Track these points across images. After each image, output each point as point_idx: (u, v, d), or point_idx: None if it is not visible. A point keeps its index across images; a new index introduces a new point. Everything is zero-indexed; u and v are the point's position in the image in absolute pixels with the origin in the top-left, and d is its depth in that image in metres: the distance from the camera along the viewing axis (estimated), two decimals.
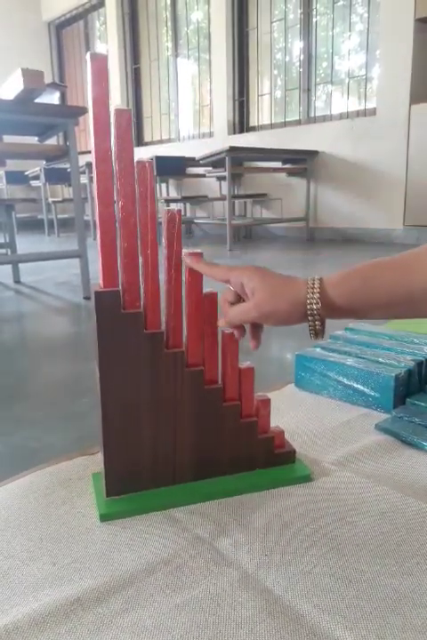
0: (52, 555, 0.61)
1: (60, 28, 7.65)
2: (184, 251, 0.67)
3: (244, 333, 0.68)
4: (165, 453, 0.71)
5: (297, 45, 4.89)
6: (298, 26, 4.80)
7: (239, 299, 0.67)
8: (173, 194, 6.07)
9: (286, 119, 5.06)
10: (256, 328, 0.69)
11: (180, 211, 0.66)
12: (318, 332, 0.62)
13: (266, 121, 5.30)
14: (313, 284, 0.60)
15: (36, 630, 0.50)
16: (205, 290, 0.70)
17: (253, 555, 0.60)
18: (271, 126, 5.20)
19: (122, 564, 0.59)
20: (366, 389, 0.98)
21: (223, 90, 5.36)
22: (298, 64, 4.92)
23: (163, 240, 0.67)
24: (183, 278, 0.68)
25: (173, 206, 5.55)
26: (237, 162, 4.85)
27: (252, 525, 0.65)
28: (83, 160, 4.89)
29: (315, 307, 0.59)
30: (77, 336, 1.80)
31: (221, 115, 5.45)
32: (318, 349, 1.11)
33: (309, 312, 0.60)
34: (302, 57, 4.83)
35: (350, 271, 0.61)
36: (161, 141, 6.44)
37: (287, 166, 4.87)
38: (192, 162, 4.93)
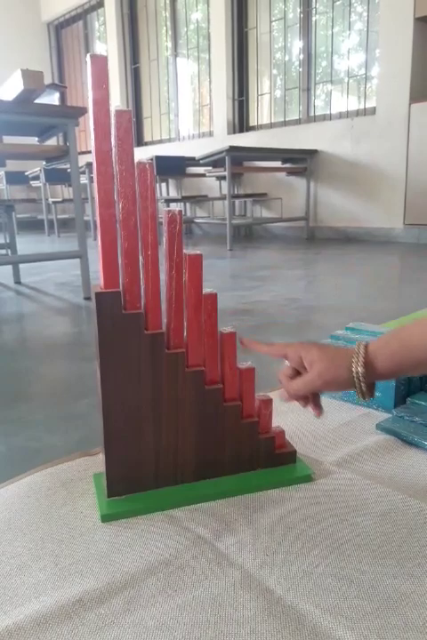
0: (53, 555, 0.61)
1: (59, 28, 7.65)
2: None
3: (309, 403, 0.72)
4: (166, 454, 0.72)
5: (296, 45, 4.89)
6: (297, 25, 4.80)
7: (297, 373, 0.70)
8: (173, 193, 6.07)
9: (286, 118, 5.06)
10: (317, 397, 0.72)
11: (180, 211, 0.66)
12: (364, 394, 0.65)
13: (266, 120, 5.30)
14: (359, 349, 0.65)
15: (38, 631, 0.50)
16: (205, 291, 0.70)
17: (254, 555, 0.60)
18: (271, 126, 5.20)
19: (123, 564, 0.59)
20: None
21: (223, 89, 5.36)
22: (297, 63, 4.91)
23: (164, 240, 0.67)
24: (184, 279, 0.68)
25: (173, 206, 5.55)
26: (236, 161, 4.85)
27: (253, 525, 0.65)
28: (83, 160, 4.88)
29: (360, 370, 0.63)
30: (78, 337, 1.80)
31: (220, 114, 5.45)
32: None
33: (354, 375, 0.64)
34: (301, 56, 4.83)
35: (389, 335, 0.66)
36: (161, 141, 6.44)
37: (287, 166, 4.86)
38: (192, 161, 4.92)
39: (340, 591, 0.54)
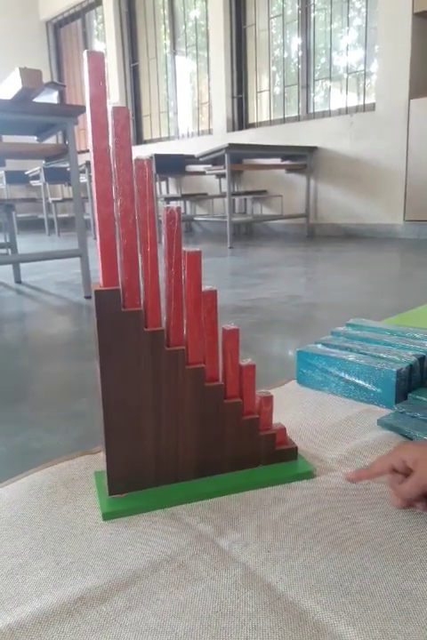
0: (55, 554, 0.61)
1: (57, 26, 7.64)
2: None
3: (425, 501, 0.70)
4: (166, 451, 0.71)
5: (295, 41, 4.88)
6: (296, 22, 4.79)
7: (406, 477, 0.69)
8: (173, 192, 6.07)
9: (285, 115, 5.05)
10: None
11: (179, 208, 0.66)
12: None
13: (265, 117, 5.29)
14: None
15: (40, 629, 0.50)
16: (205, 288, 0.70)
17: (255, 551, 0.60)
18: (270, 123, 5.19)
19: (125, 562, 0.59)
20: (367, 385, 0.98)
21: (222, 87, 5.35)
22: (296, 60, 4.90)
23: (162, 238, 0.67)
24: (183, 276, 0.68)
25: (173, 204, 5.55)
26: (236, 159, 4.84)
27: (254, 522, 0.65)
28: (82, 159, 4.88)
29: None
30: (79, 335, 1.80)
31: (219, 112, 5.44)
32: (319, 346, 1.11)
33: None
34: (300, 53, 4.82)
35: None
36: (160, 139, 6.43)
37: (287, 163, 4.86)
38: (192, 159, 4.92)
39: (342, 587, 0.54)
